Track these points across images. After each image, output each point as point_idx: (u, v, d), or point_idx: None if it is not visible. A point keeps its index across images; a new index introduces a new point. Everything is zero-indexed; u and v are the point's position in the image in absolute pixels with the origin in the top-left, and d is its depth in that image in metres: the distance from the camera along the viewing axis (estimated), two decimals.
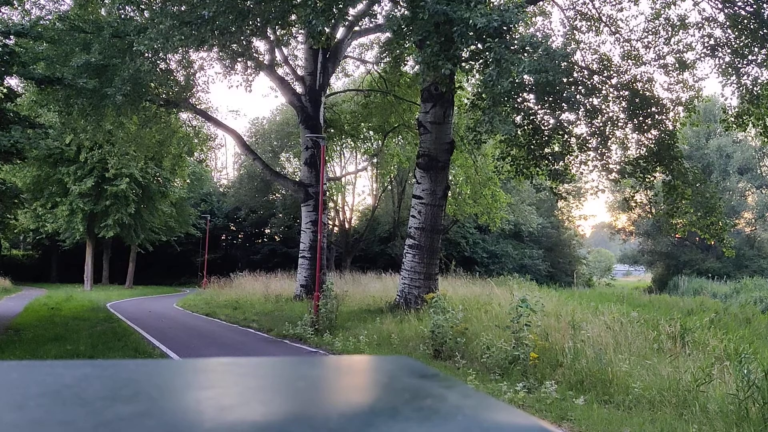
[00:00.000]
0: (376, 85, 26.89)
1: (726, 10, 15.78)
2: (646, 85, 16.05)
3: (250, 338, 14.57)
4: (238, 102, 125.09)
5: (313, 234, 21.61)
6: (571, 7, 18.18)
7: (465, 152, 24.02)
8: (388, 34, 13.66)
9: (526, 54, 11.36)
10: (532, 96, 13.86)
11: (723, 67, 15.80)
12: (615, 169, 16.23)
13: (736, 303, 27.99)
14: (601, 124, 15.39)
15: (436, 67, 11.83)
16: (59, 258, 44.90)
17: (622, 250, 63.16)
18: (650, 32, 16.98)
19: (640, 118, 15.67)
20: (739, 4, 15.64)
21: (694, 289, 37.08)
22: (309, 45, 21.70)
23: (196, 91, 22.08)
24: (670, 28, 16.63)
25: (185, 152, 28.44)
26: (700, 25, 16.34)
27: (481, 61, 12.56)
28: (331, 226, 36.40)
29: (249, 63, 20.07)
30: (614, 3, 17.46)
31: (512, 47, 11.34)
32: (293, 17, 15.17)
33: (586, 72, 15.94)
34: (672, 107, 16.36)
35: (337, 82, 34.61)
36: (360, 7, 18.22)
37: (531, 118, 14.96)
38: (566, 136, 15.75)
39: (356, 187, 46.43)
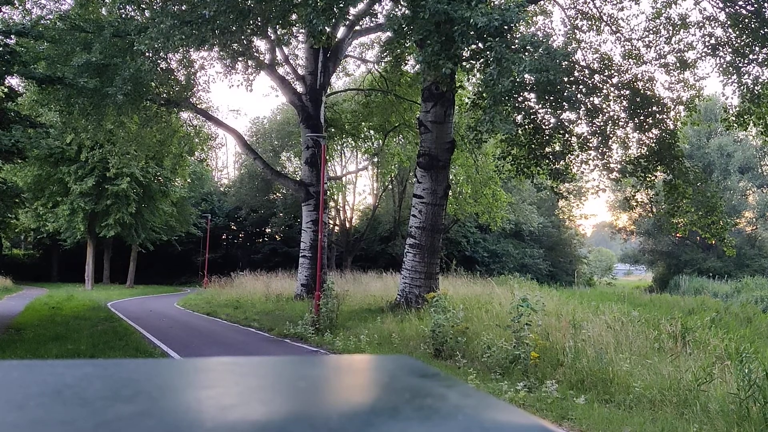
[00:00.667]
0: (377, 84, 26.89)
1: (727, 10, 15.77)
2: (647, 85, 16.04)
3: (251, 338, 14.58)
4: (238, 101, 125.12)
5: (313, 233, 21.61)
6: (572, 6, 18.18)
7: (466, 151, 24.02)
8: (388, 34, 13.66)
9: (526, 53, 11.35)
10: (532, 95, 13.86)
11: (724, 66, 15.79)
12: (616, 169, 16.23)
13: (737, 302, 27.98)
14: (601, 124, 15.38)
15: (437, 67, 11.82)
16: (60, 257, 44.93)
17: (623, 250, 63.13)
18: (651, 31, 16.97)
19: (641, 118, 15.66)
20: (740, 3, 15.62)
21: (695, 288, 37.07)
22: (310, 44, 21.70)
23: (196, 91, 22.08)
24: (671, 28, 16.62)
25: (186, 152, 28.43)
26: (701, 24, 16.33)
27: (481, 60, 12.56)
28: (331, 226, 36.42)
29: (249, 62, 20.07)
30: (615, 2, 17.45)
31: (513, 46, 11.34)
32: (294, 16, 15.17)
33: (586, 71, 15.93)
34: (673, 106, 16.36)
35: (337, 82, 34.65)
36: (361, 6, 18.21)
37: (532, 117, 14.96)
38: (567, 136, 15.75)
39: (357, 186, 46.51)
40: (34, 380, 0.75)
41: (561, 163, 15.68)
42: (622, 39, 17.45)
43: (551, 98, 13.16)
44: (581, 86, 14.71)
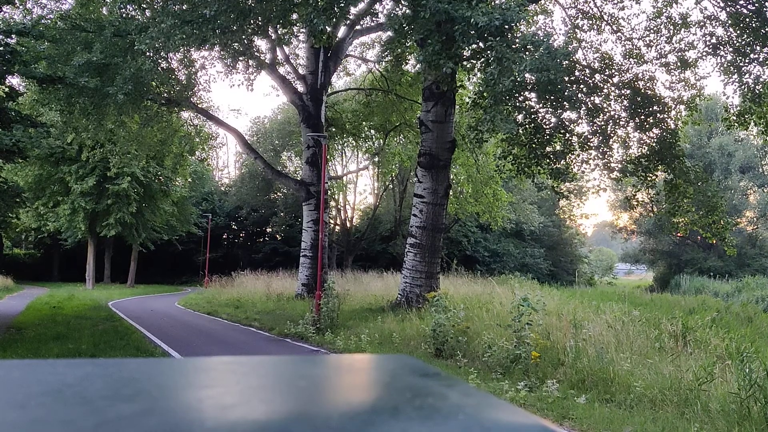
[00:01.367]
0: (378, 83, 26.89)
1: (728, 9, 15.76)
2: (647, 84, 16.04)
3: (252, 337, 14.58)
4: (239, 101, 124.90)
5: (314, 233, 21.62)
6: (573, 5, 18.16)
7: (466, 151, 24.02)
8: (389, 33, 13.65)
9: (527, 53, 11.35)
10: (533, 95, 13.86)
11: (725, 65, 15.78)
12: (616, 168, 16.22)
13: (738, 302, 27.96)
14: (602, 123, 15.38)
15: (438, 66, 11.83)
16: (61, 257, 44.96)
17: (624, 249, 63.12)
18: (652, 31, 16.96)
19: (642, 117, 15.66)
20: (741, 2, 15.61)
21: (696, 287, 37.05)
22: (310, 44, 21.70)
23: (197, 90, 22.08)
24: (671, 27, 16.61)
25: (187, 151, 28.46)
26: (701, 23, 16.32)
27: (482, 59, 12.55)
28: (332, 225, 36.41)
29: (250, 62, 20.07)
30: (616, 1, 17.44)
31: (514, 46, 11.33)
32: (294, 16, 15.17)
33: (587, 71, 15.93)
34: (674, 106, 16.36)
35: (338, 81, 34.66)
36: (361, 5, 18.21)
37: (532, 116, 14.96)
38: (568, 135, 15.74)
39: (357, 186, 46.54)
40: (35, 379, 0.76)
41: (562, 162, 15.68)
42: (623, 38, 17.44)
43: (552, 98, 13.16)
44: (582, 86, 14.72)
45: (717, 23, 16.20)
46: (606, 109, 15.56)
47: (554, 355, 9.59)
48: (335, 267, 33.56)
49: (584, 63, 16.56)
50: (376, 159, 34.14)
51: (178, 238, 42.54)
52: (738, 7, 15.60)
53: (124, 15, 18.21)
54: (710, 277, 40.22)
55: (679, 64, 16.41)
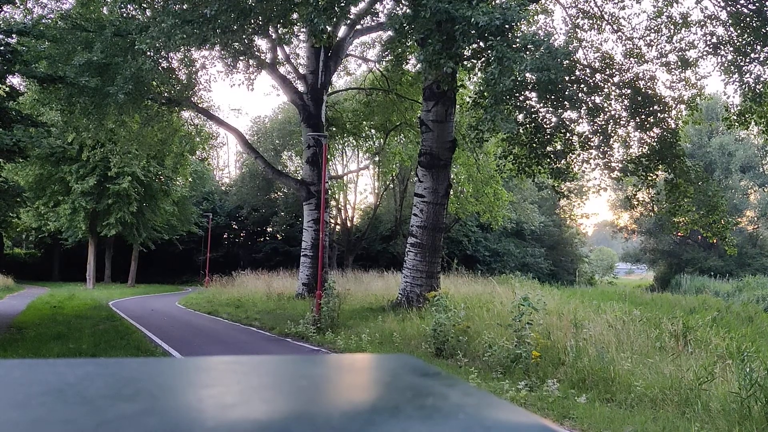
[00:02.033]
0: (378, 83, 26.88)
1: (728, 8, 15.75)
2: (648, 83, 16.04)
3: (252, 337, 14.59)
4: (239, 101, 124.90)
5: (315, 232, 21.62)
6: (573, 5, 18.15)
7: (467, 150, 24.01)
8: (389, 33, 13.64)
9: (528, 52, 11.35)
10: (534, 94, 13.85)
11: (725, 65, 15.77)
12: (617, 168, 16.22)
13: (739, 301, 27.96)
14: (603, 123, 15.37)
15: (438, 66, 11.82)
16: (61, 256, 44.97)
17: (624, 249, 63.12)
18: (652, 30, 16.96)
19: (642, 117, 15.65)
20: (742, 2, 15.60)
21: (697, 287, 37.03)
22: (311, 43, 21.69)
23: (197, 90, 22.08)
24: (672, 26, 16.60)
25: (187, 151, 28.45)
26: (702, 23, 16.31)
27: (482, 59, 12.55)
28: (332, 225, 36.41)
29: (251, 61, 20.08)
30: (616, 1, 17.43)
31: (514, 45, 11.33)
32: (295, 16, 15.17)
33: (588, 70, 15.92)
34: (674, 105, 16.35)
35: (338, 81, 34.64)
36: (362, 5, 18.21)
37: (533, 116, 14.95)
38: (568, 135, 15.74)
39: (358, 185, 46.51)
40: (35, 379, 0.76)
41: (562, 162, 15.68)
42: (624, 38, 17.44)
43: (552, 97, 13.15)
44: (582, 85, 14.71)
45: (717, 23, 16.20)
46: (606, 109, 15.55)
47: (555, 355, 9.59)
48: (336, 266, 33.56)
49: (585, 62, 16.55)
50: (377, 158, 34.13)
51: (178, 237, 42.56)
52: (738, 6, 15.59)
53: (124, 15, 18.22)
54: (711, 277, 40.21)
55: (679, 63, 16.40)
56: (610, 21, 17.74)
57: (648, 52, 16.99)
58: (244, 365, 0.91)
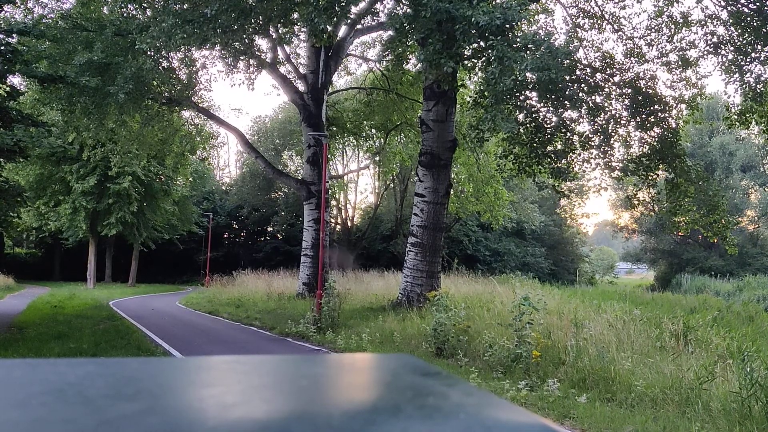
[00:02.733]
0: (379, 83, 26.87)
1: (729, 8, 15.74)
2: (648, 83, 16.03)
3: (253, 336, 14.59)
4: (240, 100, 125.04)
5: (315, 232, 21.62)
6: (574, 4, 18.14)
7: (467, 150, 24.01)
8: (390, 32, 13.65)
9: (528, 52, 11.34)
10: (534, 94, 13.85)
11: (726, 64, 15.76)
12: (618, 167, 16.21)
13: (739, 301, 27.94)
14: (603, 122, 15.37)
15: (439, 65, 11.82)
16: (62, 256, 44.98)
17: (625, 248, 63.11)
18: (653, 30, 16.94)
19: (643, 116, 15.65)
20: (742, 1, 15.59)
21: (697, 287, 37.03)
22: (311, 43, 21.68)
23: (198, 90, 22.09)
24: (672, 26, 16.59)
25: (187, 150, 28.45)
26: (702, 22, 16.30)
27: (483, 59, 12.54)
28: (333, 224, 36.42)
29: (251, 61, 20.07)
30: (617, 1, 17.42)
31: (515, 45, 11.33)
32: (295, 15, 15.17)
33: (588, 70, 15.92)
34: (675, 105, 16.34)
35: (339, 80, 34.61)
36: (362, 5, 18.20)
37: (533, 115, 14.95)
38: (569, 134, 15.74)
39: (358, 185, 46.51)
40: (36, 379, 0.76)
41: (563, 161, 15.67)
42: (624, 37, 17.42)
43: (553, 97, 13.15)
44: (583, 85, 14.71)
45: (718, 22, 16.18)
46: (607, 108, 15.55)
47: (555, 355, 9.58)
48: (336, 266, 33.57)
49: (585, 62, 16.54)
50: (377, 158, 34.14)
51: (179, 237, 42.57)
52: (739, 6, 15.58)
53: (125, 14, 18.23)
54: (711, 276, 40.20)
55: (680, 63, 16.39)
56: (610, 20, 17.73)
57: (648, 51, 16.98)
58: (244, 365, 0.91)
